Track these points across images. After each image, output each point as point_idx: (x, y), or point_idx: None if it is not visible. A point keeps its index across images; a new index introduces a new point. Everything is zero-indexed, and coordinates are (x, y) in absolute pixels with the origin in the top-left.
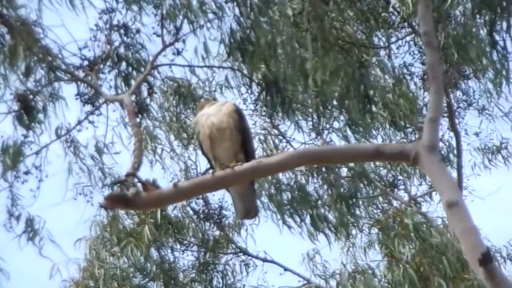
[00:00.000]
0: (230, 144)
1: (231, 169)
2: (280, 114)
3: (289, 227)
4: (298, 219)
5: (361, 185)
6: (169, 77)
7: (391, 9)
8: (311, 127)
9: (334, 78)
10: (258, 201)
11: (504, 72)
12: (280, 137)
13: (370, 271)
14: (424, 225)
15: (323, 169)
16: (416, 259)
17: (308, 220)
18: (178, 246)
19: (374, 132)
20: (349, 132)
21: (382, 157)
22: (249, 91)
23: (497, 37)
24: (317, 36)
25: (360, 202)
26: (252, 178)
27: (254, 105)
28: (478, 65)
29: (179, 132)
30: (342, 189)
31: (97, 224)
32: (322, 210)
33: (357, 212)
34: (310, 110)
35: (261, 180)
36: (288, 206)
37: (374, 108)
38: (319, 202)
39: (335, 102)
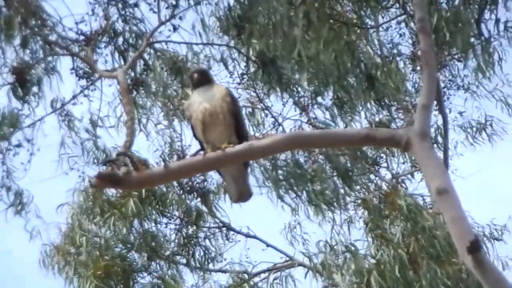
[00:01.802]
0: (223, 128)
1: (222, 150)
2: (276, 91)
3: (286, 203)
4: (293, 195)
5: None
6: (161, 51)
7: None
8: (297, 102)
9: (327, 53)
10: (251, 183)
11: (487, 57)
12: (267, 112)
13: (360, 251)
14: (416, 207)
15: None
16: (406, 240)
17: (304, 196)
18: (162, 219)
19: (358, 109)
20: (335, 110)
21: (372, 142)
22: (240, 67)
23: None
24: (309, 12)
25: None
26: (243, 160)
27: (240, 78)
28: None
29: (165, 104)
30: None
31: (80, 192)
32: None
33: (346, 189)
34: (298, 87)
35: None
36: (283, 182)
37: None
38: (315, 177)
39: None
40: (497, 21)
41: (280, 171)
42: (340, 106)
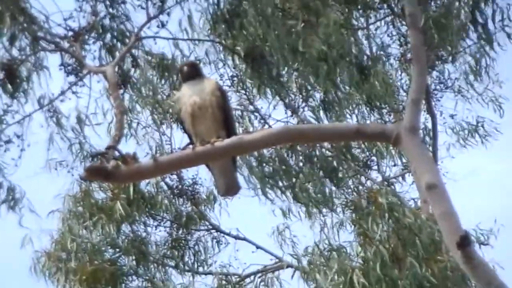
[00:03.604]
0: (212, 122)
1: (212, 144)
2: (266, 89)
3: (271, 200)
4: (279, 192)
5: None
6: (149, 48)
7: None
8: (286, 102)
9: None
10: (239, 178)
11: (484, 53)
12: (256, 114)
13: (343, 250)
14: (398, 206)
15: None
16: (389, 239)
17: (289, 193)
18: (151, 222)
19: (348, 111)
20: (321, 113)
21: (363, 136)
22: (228, 65)
23: (480, 20)
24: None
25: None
26: (233, 154)
27: (231, 80)
28: (457, 46)
29: (154, 106)
30: (323, 163)
31: (69, 198)
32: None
33: (333, 188)
34: (289, 87)
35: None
36: (269, 179)
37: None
38: (301, 175)
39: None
40: (494, 12)
41: (265, 169)
42: (328, 108)
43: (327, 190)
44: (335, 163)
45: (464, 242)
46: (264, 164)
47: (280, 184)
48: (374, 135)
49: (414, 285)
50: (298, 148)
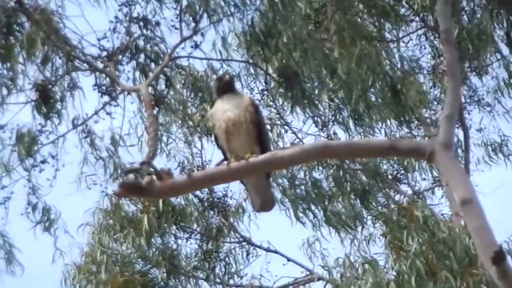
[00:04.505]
0: (246, 137)
1: (246, 160)
2: (298, 107)
3: (303, 223)
4: (311, 215)
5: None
6: (183, 67)
7: (403, 2)
8: (317, 119)
9: (359, 68)
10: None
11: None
12: (287, 128)
13: (374, 263)
14: (432, 219)
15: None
16: (424, 252)
17: (321, 215)
18: (181, 234)
19: (377, 125)
20: (351, 125)
21: (396, 153)
22: (259, 80)
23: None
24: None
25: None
26: (267, 170)
27: (261, 95)
28: (489, 61)
29: (185, 119)
30: (354, 183)
31: (100, 211)
32: (335, 205)
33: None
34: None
35: (274, 174)
36: (301, 201)
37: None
38: (332, 197)
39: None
40: None
41: (298, 190)
42: (358, 123)
43: (357, 211)
44: (366, 186)
45: (499, 257)
46: (297, 187)
47: (313, 207)
48: (407, 151)
49: None
50: (330, 171)
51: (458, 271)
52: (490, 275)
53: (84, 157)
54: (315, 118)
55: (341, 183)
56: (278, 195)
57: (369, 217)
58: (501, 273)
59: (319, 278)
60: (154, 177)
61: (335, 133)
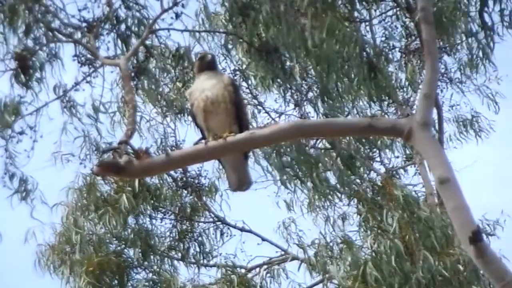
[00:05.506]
0: (225, 116)
1: (224, 139)
2: (270, 83)
3: (291, 191)
4: (298, 183)
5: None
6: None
7: None
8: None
9: (331, 39)
10: (251, 173)
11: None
12: (260, 108)
13: (356, 242)
14: (411, 198)
15: None
16: (403, 232)
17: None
18: (156, 214)
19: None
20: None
21: (374, 131)
22: (230, 59)
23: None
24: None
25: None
26: (245, 149)
27: (233, 75)
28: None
29: (158, 99)
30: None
31: (74, 191)
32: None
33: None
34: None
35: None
36: (288, 169)
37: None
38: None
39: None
40: (502, 11)
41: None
42: (327, 100)
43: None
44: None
45: (477, 237)
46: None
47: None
48: (385, 130)
49: (427, 278)
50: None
51: (437, 251)
52: (467, 255)
53: (64, 126)
54: (293, 94)
55: (328, 153)
56: (264, 164)
57: (344, 194)
58: (479, 252)
59: (294, 258)
60: (132, 156)
61: (308, 113)
